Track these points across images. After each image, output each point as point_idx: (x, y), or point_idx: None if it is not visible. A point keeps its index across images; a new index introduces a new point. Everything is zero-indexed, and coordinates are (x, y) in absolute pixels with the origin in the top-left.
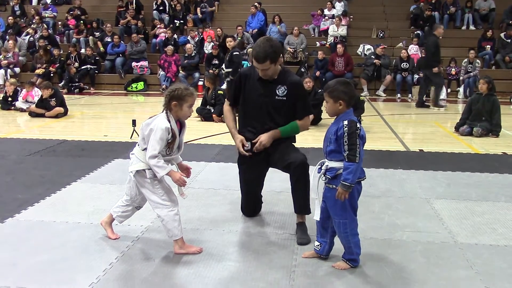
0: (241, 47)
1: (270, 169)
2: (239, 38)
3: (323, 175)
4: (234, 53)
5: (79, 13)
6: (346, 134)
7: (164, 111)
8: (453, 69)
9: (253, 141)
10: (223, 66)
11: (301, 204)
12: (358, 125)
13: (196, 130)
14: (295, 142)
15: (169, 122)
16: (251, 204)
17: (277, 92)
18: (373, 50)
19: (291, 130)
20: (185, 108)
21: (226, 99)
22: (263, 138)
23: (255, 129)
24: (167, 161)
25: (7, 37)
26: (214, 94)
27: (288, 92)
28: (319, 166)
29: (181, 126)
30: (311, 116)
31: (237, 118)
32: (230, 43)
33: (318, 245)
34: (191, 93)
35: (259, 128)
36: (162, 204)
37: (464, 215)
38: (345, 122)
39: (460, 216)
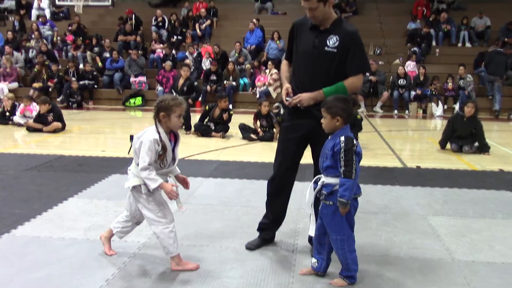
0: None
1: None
2: (236, 55)
3: (319, 191)
4: (196, 84)
5: (78, 25)
6: (342, 150)
7: (154, 123)
8: (450, 84)
9: (294, 96)
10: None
11: None
12: (355, 142)
13: (194, 145)
14: None
15: (158, 133)
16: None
17: (328, 43)
18: None
19: (336, 92)
20: (174, 118)
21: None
22: (303, 97)
23: (300, 83)
24: (164, 174)
25: (5, 51)
26: (226, 113)
27: (341, 43)
28: (315, 182)
29: (176, 138)
30: (359, 82)
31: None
32: (186, 72)
33: (315, 262)
34: (179, 103)
35: (304, 81)
36: (157, 221)
37: (461, 232)
38: (342, 138)
39: (457, 233)
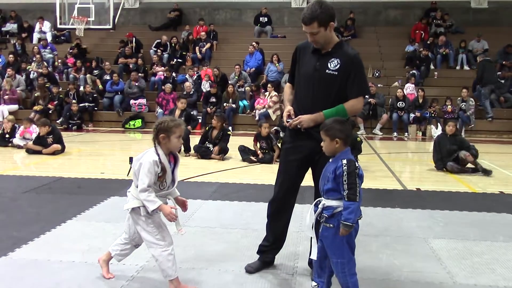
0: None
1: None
2: (235, 77)
3: (320, 214)
4: (192, 112)
5: (78, 46)
6: (345, 173)
7: (153, 145)
8: (449, 106)
9: (294, 117)
10: None
11: None
12: (357, 164)
13: (193, 167)
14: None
15: (158, 155)
16: (281, 201)
17: (329, 66)
18: None
19: (336, 114)
20: (173, 140)
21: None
22: (303, 119)
23: (302, 105)
24: (163, 196)
25: (6, 74)
26: (221, 133)
27: (342, 66)
28: (315, 205)
29: (175, 160)
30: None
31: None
32: (183, 104)
33: (316, 286)
34: (178, 124)
35: (305, 103)
36: (156, 244)
37: (463, 255)
38: (344, 161)
39: (458, 256)
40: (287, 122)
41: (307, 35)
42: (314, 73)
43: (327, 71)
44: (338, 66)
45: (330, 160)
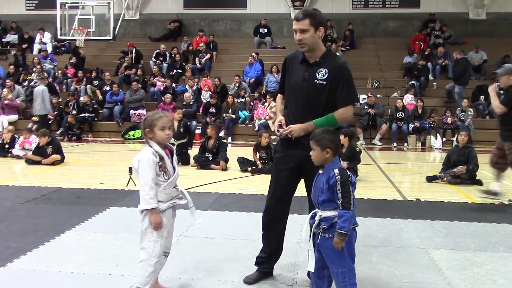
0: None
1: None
2: (235, 88)
3: (317, 225)
4: (189, 124)
5: (77, 55)
6: (339, 182)
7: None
8: (449, 118)
9: (285, 127)
10: (172, 139)
11: None
12: (349, 173)
13: (193, 178)
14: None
15: (151, 146)
16: (273, 210)
17: (317, 76)
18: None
19: (326, 123)
20: (158, 132)
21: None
22: (294, 128)
23: (292, 115)
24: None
25: (6, 84)
26: (217, 142)
27: (330, 75)
28: (312, 217)
29: (171, 152)
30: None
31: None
32: (180, 115)
33: None
34: (160, 116)
35: (296, 113)
36: (144, 248)
37: (463, 266)
38: (336, 171)
39: (459, 266)
40: (278, 131)
41: (296, 34)
42: (303, 83)
43: (315, 81)
44: (327, 75)
45: (320, 171)
